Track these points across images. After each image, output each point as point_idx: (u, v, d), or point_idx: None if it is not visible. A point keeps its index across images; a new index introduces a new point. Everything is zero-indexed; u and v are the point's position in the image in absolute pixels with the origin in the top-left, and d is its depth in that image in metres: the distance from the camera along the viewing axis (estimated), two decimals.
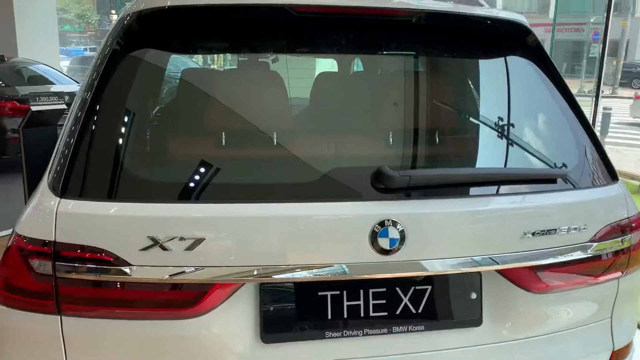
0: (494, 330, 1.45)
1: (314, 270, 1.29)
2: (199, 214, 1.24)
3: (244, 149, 1.40)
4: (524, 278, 1.43)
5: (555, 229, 1.41)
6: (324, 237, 1.29)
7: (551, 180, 1.46)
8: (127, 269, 1.22)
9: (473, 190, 1.40)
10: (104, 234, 1.23)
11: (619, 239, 1.52)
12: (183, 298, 1.26)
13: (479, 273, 1.41)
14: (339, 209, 1.30)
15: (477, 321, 1.43)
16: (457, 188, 1.39)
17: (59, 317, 1.27)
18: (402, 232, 1.30)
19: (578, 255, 1.45)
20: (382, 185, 1.31)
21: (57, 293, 1.25)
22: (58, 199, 1.26)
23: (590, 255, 1.47)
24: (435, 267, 1.34)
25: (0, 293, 1.30)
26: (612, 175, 1.57)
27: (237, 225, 1.25)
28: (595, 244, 1.47)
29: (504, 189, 1.43)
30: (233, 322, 1.31)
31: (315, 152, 1.44)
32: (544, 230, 1.40)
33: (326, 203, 1.30)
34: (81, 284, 1.24)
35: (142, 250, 1.22)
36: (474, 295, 1.42)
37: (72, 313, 1.27)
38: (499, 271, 1.42)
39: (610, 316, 1.59)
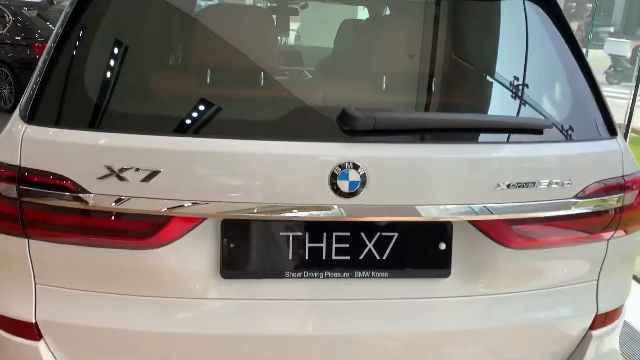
0: (462, 283, 1.40)
1: (273, 210, 1.27)
2: (154, 146, 1.24)
3: (206, 84, 1.38)
4: (499, 232, 1.37)
5: (534, 182, 1.33)
6: (285, 177, 1.27)
7: (535, 130, 1.37)
8: (85, 197, 1.24)
9: (443, 136, 1.33)
10: (64, 160, 1.25)
11: (609, 197, 1.42)
12: (141, 229, 1.27)
13: (449, 223, 1.36)
14: (300, 148, 1.26)
15: (445, 272, 1.39)
16: (426, 133, 1.32)
17: (27, 240, 1.31)
18: (363, 176, 1.25)
19: (559, 211, 1.37)
20: (347, 127, 1.26)
21: (22, 217, 1.28)
22: (25, 125, 1.29)
23: (574, 213, 1.39)
24: (397, 213, 1.29)
25: None
26: (610, 129, 1.46)
27: (192, 159, 1.24)
28: (579, 201, 1.38)
29: (478, 136, 1.36)
30: (193, 256, 1.31)
31: (281, 90, 1.40)
32: (520, 183, 1.32)
33: (288, 142, 1.27)
34: (43, 208, 1.27)
35: (99, 179, 1.23)
36: (442, 246, 1.38)
37: (37, 237, 1.31)
38: (472, 223, 1.36)
39: (596, 279, 1.51)
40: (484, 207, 1.32)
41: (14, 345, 1.39)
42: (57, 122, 1.29)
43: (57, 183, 1.25)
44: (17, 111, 1.35)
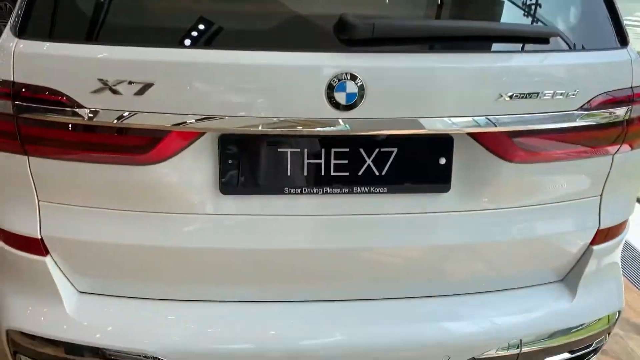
0: (462, 198, 1.40)
1: (268, 124, 1.25)
2: (146, 58, 1.21)
3: None
4: (501, 145, 1.35)
5: (537, 93, 1.29)
6: (280, 89, 1.24)
7: (540, 39, 1.32)
8: (80, 111, 1.23)
9: (444, 46, 1.29)
10: (57, 74, 1.23)
11: (616, 110, 1.38)
12: (137, 144, 1.27)
13: (450, 137, 1.34)
14: (296, 58, 1.23)
15: (445, 187, 1.38)
16: (426, 42, 1.28)
17: (27, 157, 1.32)
18: (361, 87, 1.23)
19: (563, 124, 1.34)
20: (344, 36, 1.22)
21: (20, 133, 1.28)
22: (16, 39, 1.26)
23: (578, 125, 1.35)
24: (397, 126, 1.27)
25: None
26: (620, 39, 1.40)
27: (185, 72, 1.21)
28: (584, 113, 1.35)
29: (480, 45, 1.31)
30: (192, 172, 1.32)
31: None
32: (523, 94, 1.29)
33: (283, 53, 1.23)
34: (40, 124, 1.27)
35: (93, 92, 1.22)
36: (443, 160, 1.36)
37: (36, 154, 1.31)
38: (472, 136, 1.34)
39: (600, 194, 1.50)
40: (486, 119, 1.29)
41: (24, 260, 1.43)
42: (49, 35, 1.26)
43: (52, 98, 1.24)
44: (7, 27, 1.33)
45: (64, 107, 1.24)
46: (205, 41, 1.25)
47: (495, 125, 1.30)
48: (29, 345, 1.47)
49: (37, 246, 1.40)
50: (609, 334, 1.67)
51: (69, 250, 1.41)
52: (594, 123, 1.37)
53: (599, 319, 1.59)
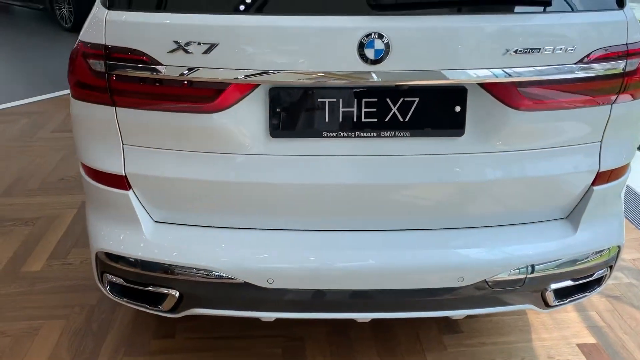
0: (475, 141, 1.63)
1: (309, 77, 1.51)
2: (212, 22, 1.49)
3: None
4: (508, 95, 1.58)
5: (539, 48, 1.52)
6: (320, 47, 1.50)
7: (541, 2, 1.53)
8: (159, 68, 1.52)
9: (457, 9, 1.52)
10: (140, 38, 1.52)
11: (612, 64, 1.59)
12: (204, 94, 1.56)
13: (464, 87, 1.58)
14: (333, 21, 1.49)
15: (459, 132, 1.63)
16: (442, 6, 1.51)
17: (114, 108, 1.62)
18: (387, 45, 1.48)
19: (562, 75, 1.56)
20: (373, 1, 1.47)
21: (110, 87, 1.59)
22: (107, 10, 1.56)
23: (576, 77, 1.57)
24: (417, 77, 1.52)
25: (73, 89, 1.67)
26: (618, 1, 1.60)
27: (242, 34, 1.49)
28: (581, 66, 1.56)
29: (488, 7, 1.54)
30: (247, 119, 1.60)
31: None
32: (526, 49, 1.51)
33: (323, 16, 1.49)
34: (126, 80, 1.57)
35: (169, 52, 1.51)
36: (458, 108, 1.60)
37: (122, 104, 1.61)
38: (483, 87, 1.57)
39: (600, 140, 1.71)
40: (493, 70, 1.52)
41: (112, 194, 1.74)
42: (132, 6, 1.55)
43: (135, 57, 1.53)
44: (97, 1, 1.63)
45: (146, 65, 1.53)
46: (259, 8, 1.52)
47: (502, 77, 1.53)
48: (114, 264, 1.79)
49: (122, 182, 1.71)
50: (611, 267, 1.89)
51: (147, 185, 1.71)
52: (591, 75, 1.58)
53: (599, 252, 1.80)
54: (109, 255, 1.79)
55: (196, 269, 1.70)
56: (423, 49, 1.50)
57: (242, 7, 1.52)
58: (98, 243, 1.80)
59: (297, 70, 1.51)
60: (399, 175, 1.65)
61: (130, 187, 1.72)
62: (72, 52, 1.63)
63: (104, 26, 1.55)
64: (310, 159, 1.64)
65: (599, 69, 1.58)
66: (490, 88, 1.57)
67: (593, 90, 1.61)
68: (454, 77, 1.53)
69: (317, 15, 1.49)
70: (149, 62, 1.53)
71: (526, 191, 1.73)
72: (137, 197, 1.73)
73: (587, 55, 1.56)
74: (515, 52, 1.51)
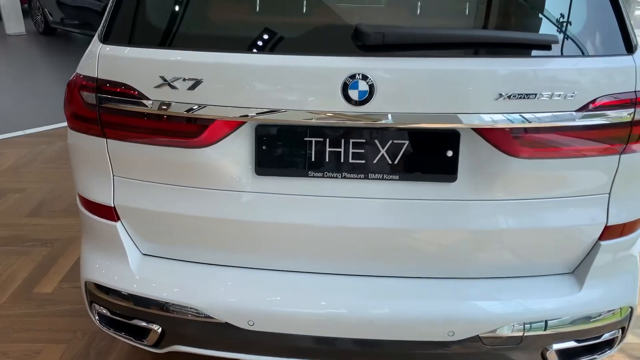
0: (468, 188, 1.55)
1: (295, 115, 1.48)
2: (197, 59, 1.49)
3: (237, 5, 1.59)
4: (504, 141, 1.50)
5: (535, 94, 1.44)
6: (306, 86, 1.47)
7: (539, 46, 1.46)
8: (146, 102, 1.53)
9: (447, 51, 1.46)
10: (129, 73, 1.54)
11: (619, 112, 1.49)
12: (190, 130, 1.55)
13: (456, 132, 1.51)
14: (318, 61, 1.46)
15: (452, 177, 1.55)
16: (430, 48, 1.46)
17: (105, 139, 1.64)
18: (371, 86, 1.43)
19: (562, 122, 1.47)
20: (359, 42, 1.44)
21: (100, 120, 1.60)
22: (101, 44, 1.59)
23: (578, 124, 1.47)
24: (405, 119, 1.46)
25: (69, 119, 1.70)
26: (627, 46, 1.51)
27: (227, 71, 1.48)
28: (584, 113, 1.46)
29: (482, 51, 1.47)
30: (233, 155, 1.58)
31: (301, 11, 1.58)
32: (521, 94, 1.43)
33: (309, 56, 1.46)
34: (116, 112, 1.58)
35: (156, 87, 1.51)
36: (450, 153, 1.53)
37: (113, 136, 1.63)
38: (477, 132, 1.50)
39: (607, 192, 1.59)
40: (486, 115, 1.45)
41: (100, 224, 1.75)
42: (124, 41, 1.58)
43: (124, 91, 1.54)
44: (96, 35, 1.66)
45: (134, 99, 1.54)
46: (243, 46, 1.51)
47: (494, 122, 1.45)
48: (101, 295, 1.79)
49: (110, 213, 1.72)
50: (623, 328, 1.74)
51: (135, 217, 1.71)
52: (595, 123, 1.48)
53: (607, 311, 1.67)
54: (97, 286, 1.79)
55: (178, 306, 1.67)
56: (410, 91, 1.45)
57: (227, 45, 1.51)
58: (87, 272, 1.81)
59: (282, 109, 1.48)
60: (386, 220, 1.59)
61: (118, 218, 1.72)
62: (69, 83, 1.66)
63: (97, 60, 1.58)
64: (295, 199, 1.60)
65: (604, 117, 1.48)
66: (485, 133, 1.50)
67: (598, 139, 1.51)
68: (443, 122, 1.47)
69: (302, 54, 1.47)
70: (136, 97, 1.53)
71: (525, 243, 1.62)
72: (125, 229, 1.73)
73: (591, 102, 1.46)
74: (509, 97, 1.44)
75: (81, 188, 1.77)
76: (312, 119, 1.48)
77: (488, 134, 1.50)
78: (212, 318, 1.65)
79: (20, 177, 4.25)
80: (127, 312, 1.76)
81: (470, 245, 1.61)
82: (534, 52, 1.47)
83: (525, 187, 1.56)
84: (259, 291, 1.66)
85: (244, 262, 1.70)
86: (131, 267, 1.73)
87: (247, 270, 1.69)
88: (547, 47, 1.47)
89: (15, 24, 10.93)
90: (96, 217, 1.76)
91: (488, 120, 1.45)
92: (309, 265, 1.67)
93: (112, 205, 1.71)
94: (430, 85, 1.44)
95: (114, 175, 1.69)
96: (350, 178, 1.57)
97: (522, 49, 1.48)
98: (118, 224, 1.72)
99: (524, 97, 1.44)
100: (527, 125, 1.46)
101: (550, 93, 1.44)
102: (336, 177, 1.57)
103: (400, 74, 1.44)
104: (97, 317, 1.86)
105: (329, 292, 1.64)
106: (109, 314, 1.80)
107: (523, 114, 1.45)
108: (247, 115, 1.49)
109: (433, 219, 1.58)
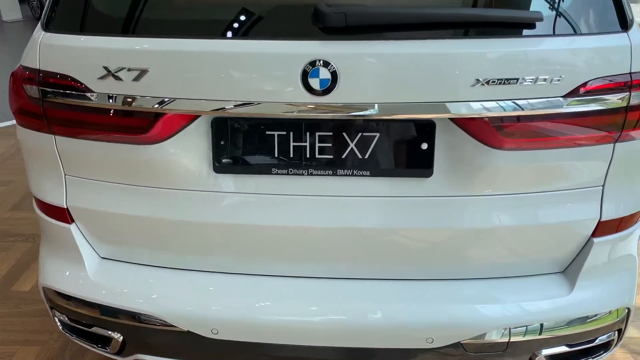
0: (446, 183, 1.41)
1: (253, 107, 1.34)
2: (140, 46, 1.35)
3: None
4: (483, 131, 1.35)
5: (516, 79, 1.28)
6: (263, 75, 1.32)
7: (523, 24, 1.30)
8: (90, 95, 1.40)
9: (416, 33, 1.31)
10: (72, 63, 1.40)
11: (612, 97, 1.33)
12: (138, 125, 1.41)
13: (431, 122, 1.36)
14: (274, 47, 1.31)
15: (427, 172, 1.41)
16: (398, 30, 1.31)
17: (53, 136, 1.51)
18: (334, 73, 1.29)
19: (548, 110, 1.32)
20: (319, 24, 1.29)
21: (46, 115, 1.47)
22: (42, 32, 1.45)
23: (566, 112, 1.32)
24: (371, 110, 1.32)
25: (15, 115, 1.57)
26: (621, 22, 1.35)
27: (174, 59, 1.33)
28: (572, 99, 1.31)
29: (456, 32, 1.32)
30: (188, 152, 1.44)
31: None
32: (500, 79, 1.28)
33: (264, 41, 1.32)
34: (60, 107, 1.45)
35: (100, 79, 1.38)
36: (424, 146, 1.39)
37: (60, 133, 1.50)
38: (455, 122, 1.35)
39: (601, 184, 1.45)
40: (462, 103, 1.30)
41: (55, 227, 1.63)
42: (67, 28, 1.43)
43: (67, 83, 1.41)
44: (39, 23, 1.52)
45: (78, 91, 1.41)
46: (191, 31, 1.36)
47: (470, 111, 1.31)
48: (60, 302, 1.67)
49: (63, 215, 1.60)
50: (619, 330, 1.61)
51: (90, 219, 1.59)
52: (585, 110, 1.33)
53: (601, 313, 1.53)
54: (56, 292, 1.68)
55: (137, 314, 1.55)
56: (378, 78, 1.30)
57: (173, 30, 1.37)
58: (43, 278, 1.70)
59: (235, 101, 1.34)
60: (356, 219, 1.45)
61: (72, 220, 1.60)
62: (12, 75, 1.53)
63: (38, 49, 1.44)
64: (257, 198, 1.47)
65: (596, 102, 1.33)
66: (462, 123, 1.35)
67: (589, 127, 1.36)
68: (415, 112, 1.32)
69: (256, 39, 1.32)
70: (81, 89, 1.40)
71: (509, 241, 1.48)
72: (80, 232, 1.61)
73: (581, 87, 1.31)
74: (487, 82, 1.28)
75: (34, 188, 1.65)
76: (270, 112, 1.34)
77: (466, 124, 1.35)
78: (174, 326, 1.53)
79: (6, 169, 4.15)
80: (86, 320, 1.65)
81: (448, 245, 1.48)
82: (515, 32, 1.31)
83: (508, 182, 1.42)
84: (221, 297, 1.54)
85: (205, 265, 1.58)
86: (88, 272, 1.61)
87: (209, 274, 1.57)
88: (530, 25, 1.31)
89: (12, 10, 10.80)
90: (50, 219, 1.64)
91: (465, 109, 1.30)
92: (273, 268, 1.54)
93: (65, 207, 1.59)
94: (400, 71, 1.29)
95: (65, 175, 1.56)
96: (317, 175, 1.43)
97: (501, 29, 1.32)
98: (72, 227, 1.60)
99: (504, 82, 1.29)
100: (508, 113, 1.31)
101: (533, 77, 1.29)
102: (301, 174, 1.44)
103: (366, 59, 1.29)
104: (59, 323, 1.75)
105: (295, 297, 1.52)
106: (68, 321, 1.69)
107: (504, 102, 1.30)
108: (197, 110, 1.35)
109: (407, 217, 1.44)
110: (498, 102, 1.30)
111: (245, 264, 1.55)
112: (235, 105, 1.34)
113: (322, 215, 1.45)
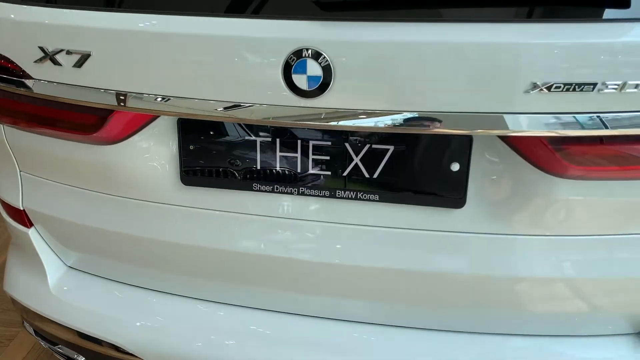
0: (482, 217, 1.04)
1: (225, 108, 1.01)
2: (81, 23, 1.03)
3: None
4: (540, 152, 0.96)
5: (593, 84, 0.88)
6: (236, 66, 0.98)
7: (602, 2, 0.88)
8: (27, 81, 1.11)
9: (447, 13, 0.91)
10: (9, 41, 1.11)
11: None
12: (84, 122, 1.12)
13: (467, 137, 0.99)
14: (247, 28, 0.95)
15: (458, 201, 1.04)
16: (419, 7, 0.91)
17: (1, 126, 1.25)
18: (327, 68, 0.92)
19: (635, 130, 0.91)
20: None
21: None
22: None
23: None
24: (379, 121, 0.95)
25: None
26: None
27: (121, 40, 1.01)
28: None
29: (502, 13, 0.91)
30: (149, 157, 1.14)
31: None
32: (569, 84, 0.88)
33: (233, 19, 0.96)
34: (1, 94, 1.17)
35: (36, 62, 1.08)
36: (455, 167, 1.02)
37: (5, 122, 1.23)
38: (501, 137, 0.97)
39: None
40: (511, 116, 0.91)
41: (15, 230, 1.40)
42: None
43: (5, 65, 1.12)
44: None
45: (15, 76, 1.12)
46: (147, 5, 1.03)
47: (526, 126, 0.91)
48: (23, 312, 1.46)
49: (21, 217, 1.35)
50: None
51: (49, 224, 1.34)
52: None
53: None
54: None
55: (97, 339, 1.31)
56: (387, 75, 0.92)
57: (126, 3, 1.04)
58: (7, 285, 1.48)
59: (205, 98, 1.01)
60: (357, 255, 1.11)
61: (31, 224, 1.35)
62: None
63: None
64: (232, 218, 1.15)
65: None
66: (512, 140, 0.97)
67: None
68: (444, 126, 0.94)
69: (225, 17, 0.97)
70: (17, 73, 1.11)
71: (565, 293, 1.11)
72: (41, 237, 1.37)
73: None
74: (549, 88, 0.88)
75: None
76: (245, 116, 1.00)
77: (517, 142, 0.96)
78: (138, 358, 1.28)
79: None
80: (49, 337, 1.42)
81: (482, 293, 1.11)
82: (590, 13, 0.89)
83: (568, 220, 1.03)
84: (190, 328, 1.25)
85: (176, 289, 1.30)
86: (49, 284, 1.37)
87: (180, 299, 1.29)
88: (613, 3, 0.88)
89: None
90: (11, 220, 1.40)
91: (517, 123, 0.91)
92: (254, 300, 1.24)
93: (22, 208, 1.34)
94: (422, 67, 0.91)
95: (20, 171, 1.31)
96: (309, 195, 1.09)
97: (567, 9, 0.90)
98: (31, 231, 1.36)
99: (573, 89, 0.88)
100: (577, 132, 0.91)
101: (619, 83, 0.87)
102: (290, 193, 1.10)
103: (374, 48, 0.91)
104: (30, 330, 1.55)
105: (271, 338, 1.22)
106: (34, 334, 1.47)
107: (572, 115, 0.90)
108: (150, 109, 1.03)
109: (427, 257, 1.09)
110: (563, 114, 0.90)
111: (211, 290, 1.26)
112: (202, 105, 1.01)
113: (315, 247, 1.13)
